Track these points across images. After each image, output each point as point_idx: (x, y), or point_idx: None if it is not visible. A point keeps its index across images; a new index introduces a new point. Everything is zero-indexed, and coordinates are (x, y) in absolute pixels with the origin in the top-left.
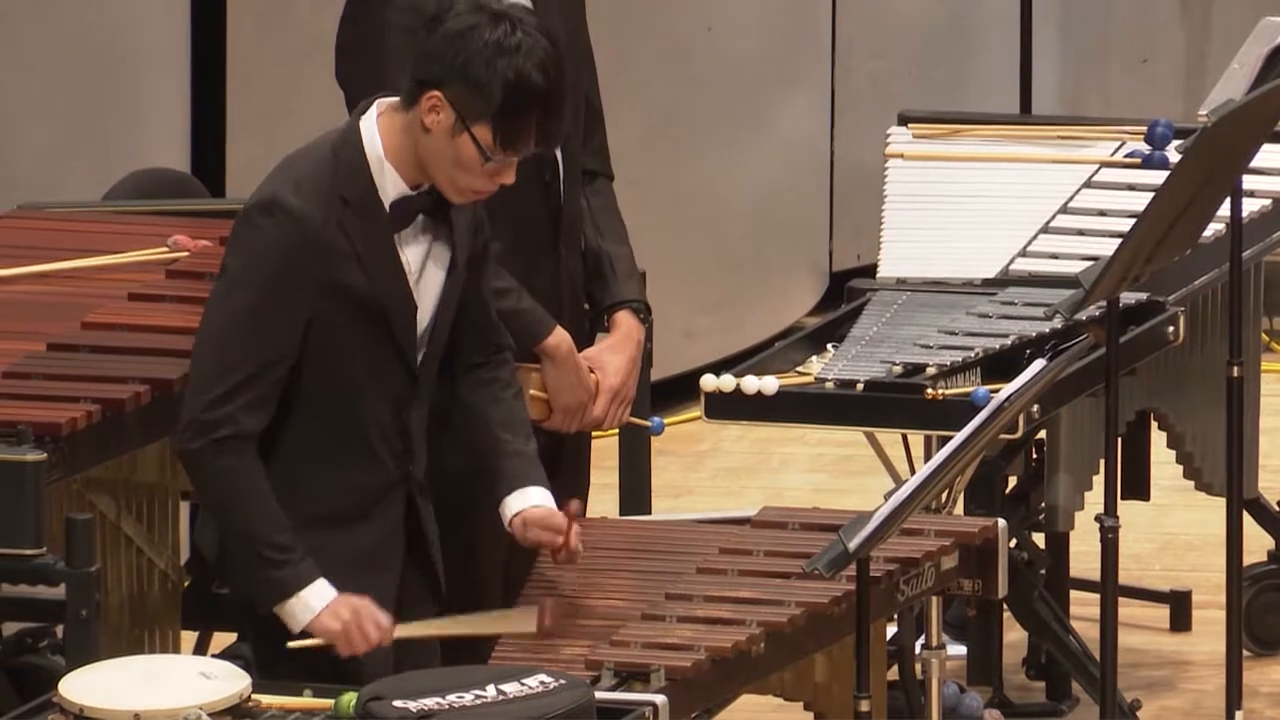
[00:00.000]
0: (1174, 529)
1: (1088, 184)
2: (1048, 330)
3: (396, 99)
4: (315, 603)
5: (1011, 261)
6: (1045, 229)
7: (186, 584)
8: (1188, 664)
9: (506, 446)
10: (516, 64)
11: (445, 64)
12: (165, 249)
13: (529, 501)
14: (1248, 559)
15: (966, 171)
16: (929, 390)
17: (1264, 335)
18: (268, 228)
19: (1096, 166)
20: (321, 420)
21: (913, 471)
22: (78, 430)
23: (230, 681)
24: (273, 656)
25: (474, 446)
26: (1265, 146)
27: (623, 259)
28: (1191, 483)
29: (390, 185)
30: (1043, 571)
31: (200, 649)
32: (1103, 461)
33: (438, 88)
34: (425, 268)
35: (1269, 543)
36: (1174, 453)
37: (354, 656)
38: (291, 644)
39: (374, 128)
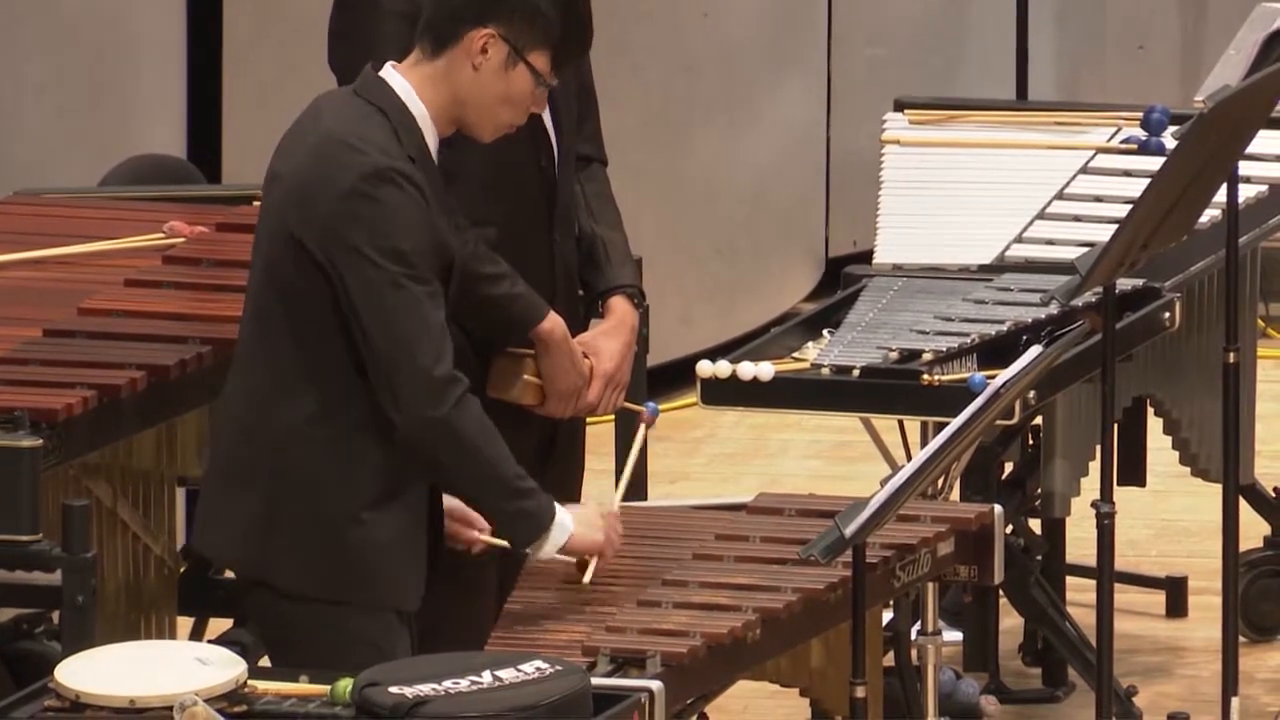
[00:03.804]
0: (1170, 515)
1: (1084, 170)
2: (1044, 316)
3: (405, 60)
4: (568, 523)
5: (1008, 247)
6: (1041, 215)
7: (183, 570)
8: (1184, 650)
9: None
10: None
11: (493, 1)
12: (161, 235)
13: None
14: (1244, 545)
15: (963, 157)
16: (925, 376)
17: (1260, 321)
18: (390, 195)
19: (1093, 152)
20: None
21: (909, 457)
22: (74, 416)
23: (226, 667)
24: (285, 639)
25: None
26: (1262, 132)
27: (617, 244)
28: (1188, 469)
29: (432, 141)
30: (1039, 557)
31: (196, 635)
32: (1099, 447)
33: (486, 25)
34: None
35: (1265, 528)
36: (1170, 439)
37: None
38: (587, 579)
39: (406, 85)
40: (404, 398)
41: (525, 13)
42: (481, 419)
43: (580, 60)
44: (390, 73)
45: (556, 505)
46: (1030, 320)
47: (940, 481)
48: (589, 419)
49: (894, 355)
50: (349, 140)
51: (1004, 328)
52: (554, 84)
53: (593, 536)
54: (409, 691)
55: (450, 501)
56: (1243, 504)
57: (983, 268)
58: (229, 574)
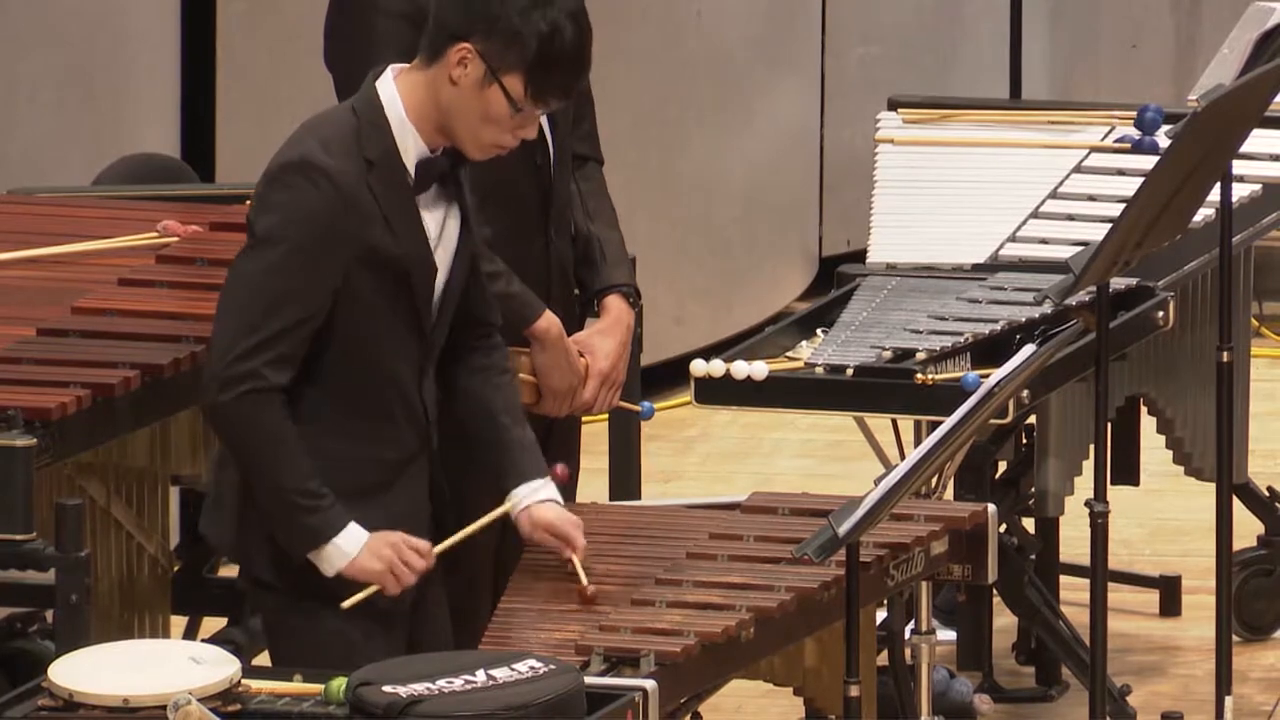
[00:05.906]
0: (1164, 514)
1: (1077, 169)
2: (1038, 315)
3: (409, 63)
4: (350, 547)
5: (1001, 246)
6: (1035, 214)
7: (176, 569)
8: (1178, 649)
9: (509, 435)
10: (551, 16)
11: (476, 16)
12: (155, 234)
13: (538, 497)
14: (1237, 544)
15: (956, 156)
16: (919, 375)
17: (1253, 320)
18: (302, 187)
19: (1086, 151)
20: (345, 391)
21: (902, 456)
22: (68, 415)
23: (220, 666)
24: (271, 631)
25: (473, 432)
26: (1255, 131)
27: (613, 244)
28: (1181, 468)
29: (412, 146)
30: (1033, 557)
31: (190, 634)
32: (1092, 446)
33: (467, 40)
34: (443, 230)
35: (1258, 528)
36: (1164, 438)
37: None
38: (346, 603)
39: (393, 89)
40: (205, 374)
41: (503, 33)
42: (272, 422)
43: (565, 98)
44: (385, 76)
45: (351, 529)
46: (1024, 319)
47: (934, 480)
48: (584, 418)
49: (888, 354)
50: (300, 134)
51: (998, 327)
52: (528, 110)
53: (370, 566)
54: (403, 691)
55: (541, 513)
56: (1236, 503)
57: (976, 267)
58: (220, 572)
